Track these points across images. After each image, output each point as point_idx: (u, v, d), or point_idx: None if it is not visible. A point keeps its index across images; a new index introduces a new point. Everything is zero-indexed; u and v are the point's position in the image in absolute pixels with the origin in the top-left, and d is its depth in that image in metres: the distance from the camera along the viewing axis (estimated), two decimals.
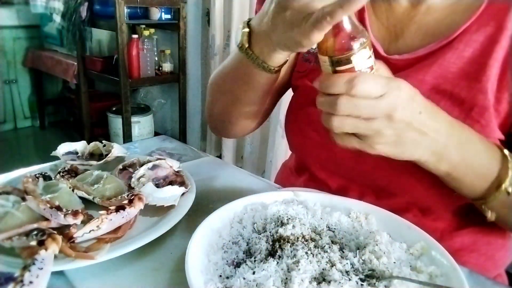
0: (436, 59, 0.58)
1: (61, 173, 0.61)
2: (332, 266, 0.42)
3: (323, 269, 0.41)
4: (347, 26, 0.44)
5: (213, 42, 2.18)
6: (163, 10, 2.41)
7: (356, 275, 0.41)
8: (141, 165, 0.63)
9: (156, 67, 2.49)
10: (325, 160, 0.69)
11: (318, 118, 0.66)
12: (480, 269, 0.62)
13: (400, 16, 0.63)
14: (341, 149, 0.64)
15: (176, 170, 0.65)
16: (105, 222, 0.47)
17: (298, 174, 0.76)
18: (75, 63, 2.63)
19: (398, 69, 0.61)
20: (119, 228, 0.49)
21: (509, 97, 0.55)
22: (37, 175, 0.59)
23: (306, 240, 0.45)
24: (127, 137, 2.40)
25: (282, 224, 0.48)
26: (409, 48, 0.61)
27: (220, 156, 2.26)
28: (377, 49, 0.63)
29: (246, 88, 0.64)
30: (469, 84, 0.56)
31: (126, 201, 0.51)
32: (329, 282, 0.39)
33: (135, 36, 2.35)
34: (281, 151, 1.86)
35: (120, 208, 0.49)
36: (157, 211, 0.55)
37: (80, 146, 0.70)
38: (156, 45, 2.48)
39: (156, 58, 2.49)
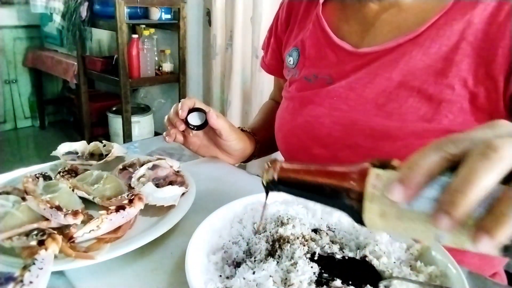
0: (402, 55, 0.60)
1: (61, 173, 0.61)
2: None
3: None
4: None
5: (214, 42, 2.18)
6: (163, 10, 2.41)
7: None
8: (141, 165, 0.63)
9: (156, 67, 2.49)
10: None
11: (296, 124, 0.70)
12: (476, 268, 0.62)
13: (371, 19, 0.66)
14: (318, 152, 0.66)
15: (176, 170, 0.65)
16: (105, 222, 0.46)
17: None
18: (75, 63, 2.64)
19: (366, 62, 0.63)
20: (119, 228, 0.49)
21: (484, 91, 0.55)
22: (37, 175, 0.59)
23: (306, 240, 0.45)
24: (127, 137, 2.41)
25: (282, 224, 0.48)
26: (378, 43, 0.63)
27: None
28: (343, 46, 0.66)
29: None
30: (436, 79, 0.57)
31: (126, 201, 0.51)
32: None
33: (135, 36, 2.35)
34: None
35: (120, 208, 0.49)
36: (157, 211, 0.55)
37: (80, 146, 0.70)
38: (156, 45, 2.48)
39: (156, 58, 2.49)
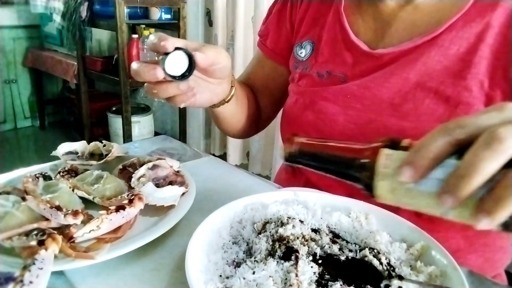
0: (420, 55, 0.59)
1: (61, 173, 0.61)
2: None
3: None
4: None
5: (216, 42, 2.18)
6: (163, 10, 2.41)
7: None
8: (141, 165, 0.63)
9: None
10: None
11: (307, 121, 0.68)
12: (478, 270, 0.63)
13: (387, 17, 0.64)
14: None
15: (176, 170, 0.65)
16: (105, 222, 0.46)
17: (298, 176, 0.77)
18: (75, 63, 2.64)
19: (383, 64, 0.62)
20: (119, 228, 0.49)
21: (501, 94, 0.55)
22: (37, 175, 0.59)
23: (306, 240, 0.45)
24: (127, 137, 2.40)
25: (282, 224, 0.48)
26: (394, 43, 0.62)
27: (225, 154, 2.26)
28: (360, 46, 0.65)
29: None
30: (454, 81, 0.57)
31: (126, 201, 0.51)
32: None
33: (135, 36, 2.35)
34: None
35: (120, 208, 0.49)
36: (157, 211, 0.54)
37: (80, 146, 0.70)
38: None
39: (156, 58, 2.49)
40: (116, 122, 2.61)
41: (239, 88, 0.73)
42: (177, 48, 0.49)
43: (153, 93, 0.52)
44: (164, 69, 0.49)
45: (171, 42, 0.48)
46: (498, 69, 0.55)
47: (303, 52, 0.73)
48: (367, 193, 0.38)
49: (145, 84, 0.52)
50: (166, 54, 0.49)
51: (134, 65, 0.51)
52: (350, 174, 0.39)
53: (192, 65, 0.50)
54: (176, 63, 0.49)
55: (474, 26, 0.56)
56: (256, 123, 0.84)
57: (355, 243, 0.48)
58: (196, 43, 0.52)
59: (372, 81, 0.62)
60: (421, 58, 0.59)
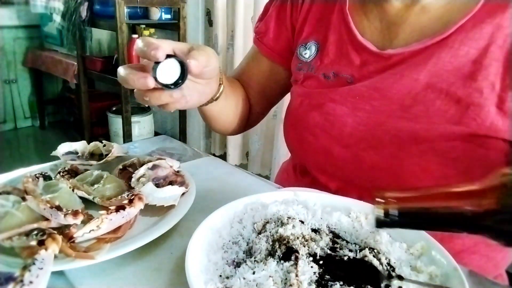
0: (430, 57, 0.58)
1: (61, 173, 0.61)
2: None
3: None
4: None
5: (216, 41, 2.18)
6: (163, 10, 2.42)
7: None
8: (141, 165, 0.63)
9: None
10: (323, 164, 0.69)
11: (314, 123, 0.67)
12: (481, 270, 0.62)
13: (393, 17, 0.63)
14: (338, 152, 0.65)
15: (176, 170, 0.65)
16: (105, 222, 0.47)
17: (301, 176, 0.76)
18: (75, 63, 2.64)
19: (391, 65, 0.61)
20: (119, 228, 0.49)
21: None
22: (37, 175, 0.59)
23: (306, 240, 0.45)
24: (127, 137, 2.41)
25: (282, 224, 0.48)
26: (402, 45, 0.62)
27: (225, 154, 2.25)
28: (368, 47, 0.64)
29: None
30: (465, 82, 0.56)
31: (126, 201, 0.51)
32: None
33: (135, 36, 2.35)
34: (283, 150, 1.86)
35: (120, 208, 0.49)
36: (157, 211, 0.54)
37: (80, 146, 0.70)
38: None
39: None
40: (116, 122, 2.62)
41: (228, 85, 0.72)
42: (168, 56, 0.48)
43: (144, 100, 0.50)
44: (155, 78, 0.47)
45: (161, 51, 0.46)
46: (509, 70, 0.54)
47: (307, 53, 0.72)
48: (503, 242, 0.33)
49: (135, 90, 0.51)
50: (157, 62, 0.47)
51: (122, 71, 0.49)
52: (473, 225, 0.33)
53: (184, 72, 0.48)
54: (168, 71, 0.48)
55: (484, 27, 0.56)
56: (245, 120, 0.83)
57: (355, 243, 0.48)
58: (184, 45, 0.51)
59: (381, 82, 0.61)
60: (431, 59, 0.58)
